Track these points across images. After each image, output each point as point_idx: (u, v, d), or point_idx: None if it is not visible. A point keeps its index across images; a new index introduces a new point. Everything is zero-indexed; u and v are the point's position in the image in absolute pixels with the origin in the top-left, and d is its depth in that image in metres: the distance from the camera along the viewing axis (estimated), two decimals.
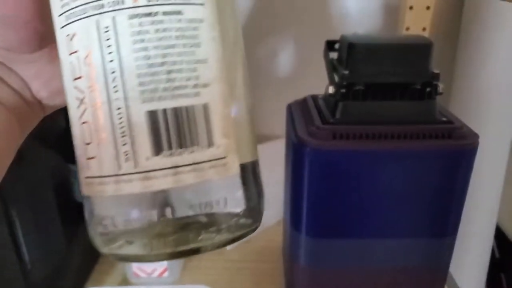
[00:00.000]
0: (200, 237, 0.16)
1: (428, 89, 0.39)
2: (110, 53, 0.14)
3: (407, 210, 0.40)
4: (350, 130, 0.37)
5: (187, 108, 0.15)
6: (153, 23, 0.14)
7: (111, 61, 0.14)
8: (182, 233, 0.15)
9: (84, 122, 0.15)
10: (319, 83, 0.44)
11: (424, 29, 0.66)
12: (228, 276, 0.53)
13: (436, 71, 0.38)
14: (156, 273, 0.49)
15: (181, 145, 0.15)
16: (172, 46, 0.14)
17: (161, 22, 0.14)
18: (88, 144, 0.15)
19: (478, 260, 0.71)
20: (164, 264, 0.49)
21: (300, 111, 0.44)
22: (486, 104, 0.62)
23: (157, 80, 0.14)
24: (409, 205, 0.40)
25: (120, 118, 0.14)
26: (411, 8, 0.65)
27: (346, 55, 0.39)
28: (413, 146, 0.37)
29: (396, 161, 0.38)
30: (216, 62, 0.15)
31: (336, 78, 0.40)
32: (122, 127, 0.14)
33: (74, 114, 0.16)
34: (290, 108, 0.46)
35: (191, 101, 0.15)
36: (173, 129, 0.14)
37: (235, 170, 0.16)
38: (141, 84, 0.14)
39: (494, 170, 0.65)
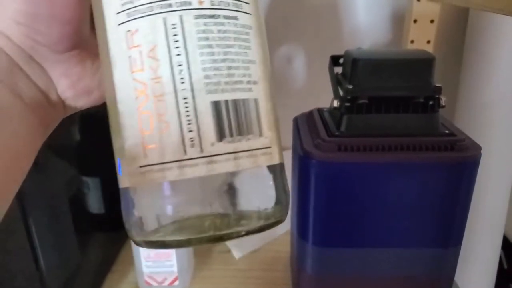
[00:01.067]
0: (240, 222, 0.17)
1: (430, 102, 0.40)
2: (177, 47, 0.16)
3: (411, 221, 0.41)
4: (354, 143, 0.39)
5: (243, 101, 0.17)
6: (216, 24, 0.16)
7: (178, 55, 0.16)
8: (223, 219, 0.17)
9: (143, 112, 0.16)
10: (327, 95, 0.45)
11: (428, 42, 0.68)
12: (236, 285, 0.54)
13: (438, 84, 0.40)
14: (167, 282, 0.50)
15: (240, 132, 0.16)
16: (231, 46, 0.16)
17: (222, 24, 0.16)
18: (147, 133, 0.16)
19: (486, 271, 0.71)
20: (175, 273, 0.50)
21: (306, 124, 0.45)
22: (491, 116, 0.63)
23: (219, 74, 0.16)
24: (413, 215, 0.40)
25: (187, 107, 0.16)
26: (415, 21, 0.67)
27: (350, 70, 0.40)
28: (416, 158, 0.38)
29: (399, 173, 0.39)
30: (261, 64, 0.17)
31: (341, 92, 0.41)
32: (188, 116, 0.16)
33: (130, 105, 0.16)
34: (296, 121, 0.48)
35: (246, 95, 0.17)
36: (233, 118, 0.16)
37: (279, 159, 0.18)
38: (206, 77, 0.16)
39: (501, 180, 0.66)
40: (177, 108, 0.16)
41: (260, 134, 0.17)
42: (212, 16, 0.16)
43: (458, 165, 0.38)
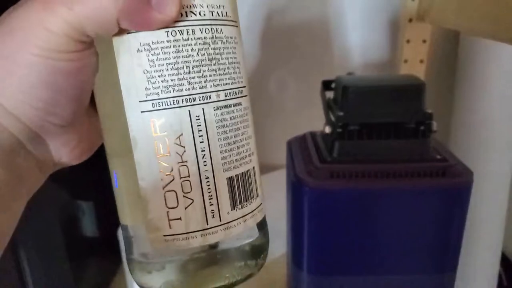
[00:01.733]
0: (231, 271, 0.20)
1: (422, 128, 0.40)
2: (200, 136, 0.18)
3: (406, 247, 0.41)
4: (347, 169, 0.39)
5: (248, 171, 0.20)
6: (228, 112, 0.19)
7: (202, 142, 0.18)
8: (215, 268, 0.20)
9: (169, 190, 0.18)
10: (321, 115, 0.45)
11: (421, 61, 0.68)
12: None
13: (429, 110, 0.40)
14: None
15: (246, 198, 0.20)
16: (239, 128, 0.20)
17: (233, 111, 0.19)
18: (172, 208, 0.19)
19: None
20: None
21: (299, 149, 0.45)
22: (486, 134, 0.63)
23: (232, 154, 0.19)
24: (408, 241, 0.40)
25: (208, 185, 0.19)
26: (408, 41, 0.67)
27: (341, 97, 0.40)
28: (408, 184, 0.38)
29: (392, 199, 0.39)
30: (254, 138, 0.21)
31: (332, 118, 0.42)
32: (209, 192, 0.19)
33: (154, 184, 0.19)
34: (290, 145, 0.48)
35: (249, 166, 0.20)
36: (242, 188, 0.20)
37: (265, 212, 0.22)
38: (223, 158, 0.19)
39: (497, 200, 0.66)
40: (200, 187, 0.19)
41: (257, 195, 0.20)
42: (226, 106, 0.19)
43: (450, 191, 0.38)
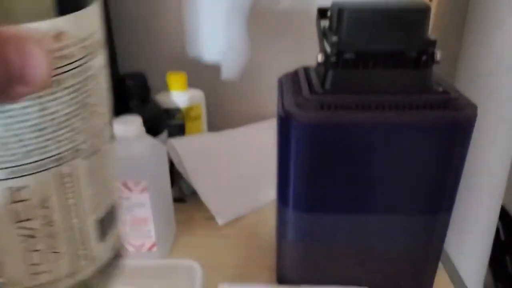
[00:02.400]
0: None
1: (423, 57, 0.36)
2: (72, 192, 0.17)
3: (400, 185, 0.38)
4: (339, 100, 0.35)
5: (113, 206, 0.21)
6: (98, 158, 0.19)
7: (72, 198, 0.18)
8: None
9: (34, 251, 0.17)
10: None
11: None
12: (220, 252, 0.52)
13: (433, 37, 0.36)
14: (144, 248, 0.49)
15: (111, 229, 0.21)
16: (107, 167, 0.20)
17: (103, 155, 0.19)
18: (37, 264, 0.18)
19: (481, 241, 0.69)
20: (153, 238, 0.48)
21: (291, 83, 0.42)
22: (494, 80, 0.59)
23: (100, 195, 0.19)
24: (402, 179, 0.38)
25: (79, 233, 0.19)
26: None
27: (336, 22, 0.36)
28: (406, 117, 0.35)
29: (388, 133, 0.36)
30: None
31: (327, 46, 0.38)
32: (81, 239, 0.19)
33: (14, 248, 0.17)
34: (280, 81, 0.44)
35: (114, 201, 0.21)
36: (108, 222, 0.20)
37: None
38: (92, 203, 0.19)
39: (501, 148, 0.63)
40: (72, 238, 0.18)
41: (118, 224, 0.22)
42: (95, 152, 0.18)
43: (452, 125, 0.35)
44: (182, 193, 0.62)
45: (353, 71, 0.37)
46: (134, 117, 0.45)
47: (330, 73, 0.37)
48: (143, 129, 0.45)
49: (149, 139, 0.47)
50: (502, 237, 0.92)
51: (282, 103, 0.37)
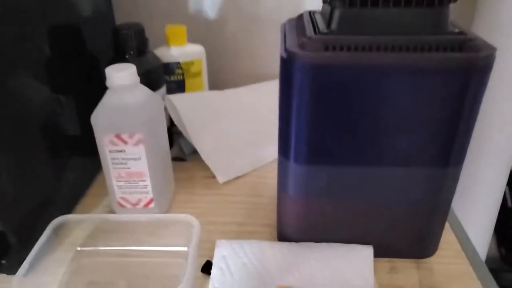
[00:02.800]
0: None
1: None
2: None
3: (407, 135, 0.36)
4: (345, 41, 0.33)
5: None
6: None
7: None
8: None
9: None
10: None
11: None
12: (219, 209, 0.50)
13: None
14: (141, 204, 0.47)
15: None
16: None
17: None
18: None
19: (487, 205, 0.67)
20: (150, 194, 0.46)
21: (294, 26, 0.39)
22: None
23: None
24: (410, 128, 0.35)
25: None
26: None
27: None
28: (418, 59, 0.33)
29: (397, 77, 0.33)
30: None
31: None
32: None
33: None
34: (284, 25, 0.42)
35: None
36: None
37: None
38: None
39: None
40: None
41: None
42: None
43: (467, 67, 0.32)
44: (181, 152, 0.61)
45: (361, 10, 0.34)
46: (128, 65, 0.42)
47: (336, 12, 0.34)
48: (137, 77, 0.43)
49: (144, 89, 0.44)
50: (509, 204, 0.90)
51: (285, 45, 0.35)
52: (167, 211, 0.50)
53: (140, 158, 0.44)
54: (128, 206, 0.47)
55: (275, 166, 0.57)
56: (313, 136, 0.36)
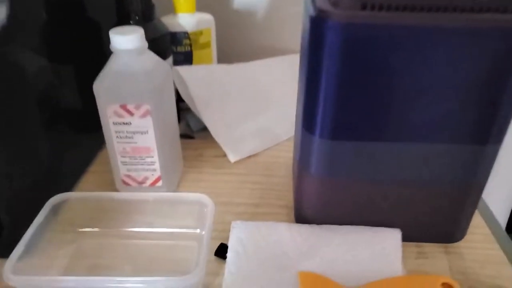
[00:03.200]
0: None
1: None
2: None
3: (445, 106, 0.32)
4: (384, 0, 0.29)
5: None
6: None
7: None
8: None
9: None
10: None
11: None
12: (231, 189, 0.47)
13: None
14: (148, 182, 0.44)
15: None
16: None
17: None
18: None
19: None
20: (157, 172, 0.43)
21: None
22: None
23: None
24: (448, 99, 0.32)
25: None
26: None
27: None
28: (462, 20, 0.29)
29: (438, 40, 0.30)
30: None
31: None
32: None
33: None
34: None
35: None
36: None
37: None
38: None
39: None
40: None
41: None
42: None
43: None
44: (189, 129, 0.57)
45: None
46: (135, 27, 0.38)
47: None
48: (145, 42, 0.39)
49: (153, 55, 0.40)
50: None
51: (315, 2, 0.31)
52: (175, 191, 0.46)
53: (147, 131, 0.40)
54: (134, 184, 0.44)
55: (288, 145, 0.54)
56: (342, 106, 0.33)
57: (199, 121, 0.55)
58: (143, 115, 0.39)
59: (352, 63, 0.31)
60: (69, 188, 0.46)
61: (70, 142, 0.47)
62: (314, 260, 0.37)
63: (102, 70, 0.39)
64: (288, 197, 0.46)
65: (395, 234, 0.38)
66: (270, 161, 0.52)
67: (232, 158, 0.51)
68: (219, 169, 0.50)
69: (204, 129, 0.55)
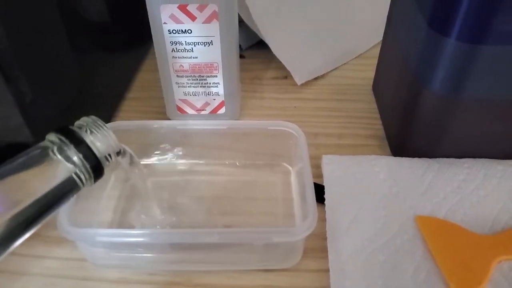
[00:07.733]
0: None
1: None
2: None
3: None
4: None
5: None
6: None
7: None
8: None
9: None
10: None
11: None
12: (302, 117, 0.39)
13: None
14: (208, 109, 0.35)
15: None
16: None
17: None
18: None
19: None
20: (221, 96, 0.34)
21: None
22: None
23: None
24: None
25: None
26: None
27: None
28: None
29: None
30: None
31: None
32: None
33: None
34: None
35: None
36: None
37: None
38: None
39: None
40: None
41: None
42: None
43: None
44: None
45: None
46: None
47: None
48: None
49: None
50: None
51: None
52: (237, 119, 0.38)
53: (212, 42, 0.31)
54: (191, 111, 0.35)
55: (364, 63, 0.45)
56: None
57: (249, 35, 0.45)
58: (208, 19, 0.30)
59: None
60: (107, 118, 0.38)
61: (100, 62, 0.37)
62: (433, 202, 0.29)
63: None
64: (376, 124, 0.38)
65: None
66: (343, 82, 0.43)
67: (298, 80, 0.42)
68: (282, 93, 0.42)
69: (254, 45, 0.46)
